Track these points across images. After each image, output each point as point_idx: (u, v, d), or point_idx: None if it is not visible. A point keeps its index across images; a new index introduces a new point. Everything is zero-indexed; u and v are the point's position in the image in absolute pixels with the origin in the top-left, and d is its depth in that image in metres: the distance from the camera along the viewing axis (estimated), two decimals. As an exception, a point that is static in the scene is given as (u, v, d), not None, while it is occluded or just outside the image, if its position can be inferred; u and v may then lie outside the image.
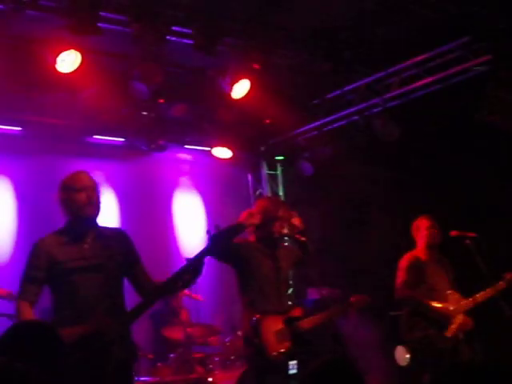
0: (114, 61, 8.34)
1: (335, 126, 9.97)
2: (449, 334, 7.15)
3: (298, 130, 10.32)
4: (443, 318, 7.21)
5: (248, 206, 10.82)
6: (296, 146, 10.52)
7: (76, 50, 7.40)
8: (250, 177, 11.25)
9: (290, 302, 6.41)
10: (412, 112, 9.06)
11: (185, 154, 10.51)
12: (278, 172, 11.24)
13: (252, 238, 6.40)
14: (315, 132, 10.22)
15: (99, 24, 6.97)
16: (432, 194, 8.90)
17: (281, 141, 10.70)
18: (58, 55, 7.34)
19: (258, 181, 11.19)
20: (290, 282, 6.45)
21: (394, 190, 9.45)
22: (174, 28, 7.51)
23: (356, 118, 9.60)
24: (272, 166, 11.20)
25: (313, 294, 8.99)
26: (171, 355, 8.18)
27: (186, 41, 7.67)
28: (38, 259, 4.89)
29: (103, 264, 4.88)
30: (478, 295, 7.30)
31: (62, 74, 7.52)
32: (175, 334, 8.38)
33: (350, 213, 9.96)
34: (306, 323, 6.26)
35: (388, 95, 9.14)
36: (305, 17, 7.77)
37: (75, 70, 7.50)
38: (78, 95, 8.60)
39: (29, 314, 4.78)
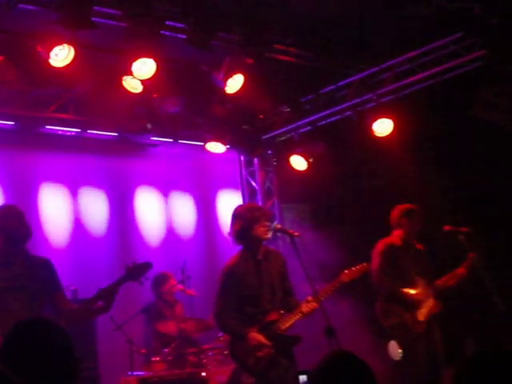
0: (108, 55, 8.32)
1: (329, 121, 9.98)
2: (421, 318, 7.38)
3: (292, 125, 10.32)
4: (415, 303, 7.42)
5: (241, 201, 10.85)
6: (289, 141, 10.52)
7: (69, 44, 7.38)
8: (243, 172, 11.24)
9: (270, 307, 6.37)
10: (405, 107, 9.07)
11: (178, 149, 10.49)
12: (271, 167, 11.23)
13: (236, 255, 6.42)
14: (309, 127, 10.22)
15: (93, 18, 6.95)
16: (427, 188, 8.93)
17: (274, 136, 10.70)
18: (51, 49, 7.32)
19: (251, 176, 11.18)
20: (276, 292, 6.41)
21: (388, 185, 9.46)
22: (167, 22, 7.49)
23: (349, 113, 9.60)
24: (265, 161, 11.19)
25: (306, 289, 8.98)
26: (165, 350, 8.18)
27: (179, 35, 7.66)
28: None
29: (25, 285, 5.35)
30: (439, 281, 7.55)
31: (55, 69, 7.50)
32: (169, 328, 8.37)
33: (344, 208, 9.98)
34: (284, 323, 6.25)
35: (381, 90, 9.16)
36: (298, 12, 7.77)
37: (68, 65, 7.48)
38: (71, 90, 8.60)
39: None
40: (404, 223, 7.67)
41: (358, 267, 6.52)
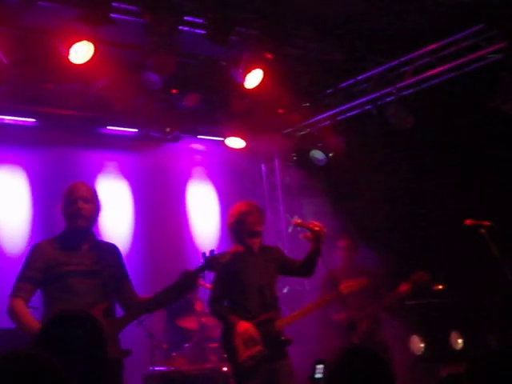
0: (127, 51, 8.35)
1: (348, 115, 9.95)
2: None
3: (311, 120, 10.30)
4: None
5: (261, 196, 10.84)
6: (309, 135, 10.50)
7: (89, 40, 7.41)
8: (263, 167, 11.24)
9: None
10: (425, 101, 9.02)
11: (198, 145, 10.51)
12: (291, 162, 11.21)
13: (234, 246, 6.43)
14: (328, 122, 10.19)
15: (112, 14, 6.98)
16: (447, 183, 8.87)
17: (294, 131, 10.68)
18: (70, 46, 7.35)
19: (271, 171, 11.17)
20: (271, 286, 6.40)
21: (408, 179, 9.41)
22: (186, 18, 7.50)
23: (369, 107, 9.57)
24: (285, 156, 11.17)
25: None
26: (186, 345, 8.20)
27: (198, 31, 7.66)
28: (36, 260, 5.06)
29: (99, 271, 5.10)
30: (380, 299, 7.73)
31: (75, 65, 7.53)
32: (190, 323, 8.40)
33: (364, 203, 9.94)
34: (281, 323, 6.23)
35: (401, 84, 9.11)
36: (317, 5, 7.74)
37: (88, 61, 7.51)
38: (91, 86, 8.63)
39: (24, 310, 4.90)
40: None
41: (357, 281, 6.56)
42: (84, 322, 3.22)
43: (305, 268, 6.33)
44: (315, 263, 6.17)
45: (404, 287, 7.65)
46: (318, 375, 6.03)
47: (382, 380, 3.21)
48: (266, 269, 6.35)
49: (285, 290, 9.25)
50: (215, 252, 5.37)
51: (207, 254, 5.28)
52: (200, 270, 5.25)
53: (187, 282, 5.17)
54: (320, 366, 6.05)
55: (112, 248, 5.41)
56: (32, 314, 4.90)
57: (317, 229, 6.05)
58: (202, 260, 5.29)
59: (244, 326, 6.05)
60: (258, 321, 6.13)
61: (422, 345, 7.43)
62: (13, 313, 4.91)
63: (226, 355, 6.39)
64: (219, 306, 6.27)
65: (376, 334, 7.65)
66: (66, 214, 5.16)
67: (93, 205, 5.22)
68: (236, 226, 6.36)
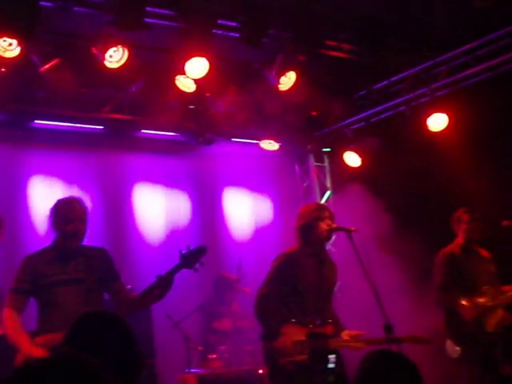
0: (161, 55, 8.39)
1: (382, 116, 9.90)
2: (489, 329, 7.06)
3: (345, 122, 10.26)
4: (481, 315, 7.11)
5: (296, 198, 10.83)
6: (343, 137, 10.47)
7: (123, 45, 7.47)
8: (297, 169, 11.23)
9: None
10: (461, 101, 8.94)
11: (232, 147, 10.52)
12: (326, 164, 11.19)
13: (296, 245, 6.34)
14: (362, 123, 10.15)
15: (146, 19, 7.03)
16: (486, 185, 8.76)
17: (328, 132, 10.66)
18: (105, 51, 7.42)
19: (305, 173, 11.16)
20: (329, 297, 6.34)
21: (442, 179, 9.33)
22: (219, 21, 7.52)
23: (403, 108, 9.51)
24: (319, 157, 11.16)
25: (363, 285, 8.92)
26: (221, 347, 8.22)
27: (232, 34, 7.68)
28: (25, 273, 5.36)
29: (84, 278, 5.32)
30: (506, 288, 7.23)
31: (110, 70, 7.59)
32: (225, 326, 8.42)
33: (400, 204, 9.87)
34: (334, 343, 6.05)
35: (436, 85, 9.04)
36: (351, 6, 7.72)
37: (122, 66, 7.57)
38: (126, 90, 8.69)
39: (15, 319, 5.24)
40: (457, 229, 7.50)
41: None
42: (113, 321, 3.24)
43: None
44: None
45: None
46: (331, 365, 6.00)
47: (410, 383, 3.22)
48: (328, 277, 6.35)
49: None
50: (191, 247, 5.35)
51: (183, 251, 5.32)
52: (175, 270, 5.31)
53: (165, 281, 5.28)
54: (332, 356, 6.02)
55: (100, 253, 5.57)
56: (21, 327, 5.22)
57: (353, 229, 6.01)
58: (179, 258, 5.33)
59: (300, 332, 5.98)
60: (312, 332, 5.99)
61: (458, 348, 7.30)
62: (3, 322, 5.31)
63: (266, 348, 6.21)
64: (269, 305, 6.12)
65: None
66: (60, 230, 5.38)
67: (86, 224, 5.45)
68: (306, 229, 6.25)
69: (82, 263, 5.38)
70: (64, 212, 5.36)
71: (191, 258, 5.32)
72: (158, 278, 5.28)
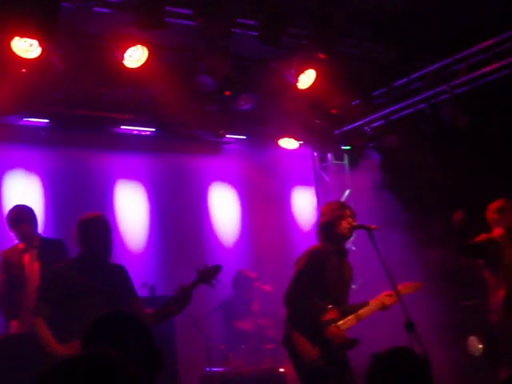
0: (180, 54, 8.42)
1: (402, 114, 9.86)
2: None
3: (365, 120, 10.23)
4: None
5: (316, 196, 10.82)
6: (363, 135, 10.44)
7: (142, 45, 7.50)
8: (317, 167, 11.21)
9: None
10: (481, 98, 8.89)
11: (251, 146, 10.52)
12: (345, 162, 11.17)
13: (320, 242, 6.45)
14: (382, 121, 10.13)
15: (165, 18, 7.05)
16: (504, 181, 8.71)
17: (347, 130, 10.64)
18: (125, 51, 7.45)
19: (325, 171, 11.14)
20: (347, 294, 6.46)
21: (464, 177, 9.29)
22: (238, 20, 7.53)
23: (423, 105, 9.47)
24: (339, 156, 11.13)
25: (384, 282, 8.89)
26: (243, 346, 8.23)
27: (250, 32, 7.68)
28: (53, 283, 5.60)
29: (108, 291, 5.53)
30: None
31: (130, 69, 7.62)
32: (246, 325, 8.43)
33: (420, 203, 9.84)
34: (343, 325, 6.23)
35: (455, 82, 9.00)
36: (370, 4, 7.71)
37: (142, 65, 7.60)
38: (145, 90, 8.71)
39: (44, 327, 5.42)
40: (493, 218, 7.41)
41: (415, 284, 6.50)
42: (129, 320, 3.26)
43: None
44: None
45: None
46: None
47: (422, 380, 3.23)
48: (348, 274, 6.55)
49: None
50: (208, 265, 5.68)
51: (201, 268, 5.64)
52: (194, 285, 5.59)
53: (184, 296, 5.55)
54: None
55: (120, 269, 5.80)
56: (50, 333, 5.40)
57: (373, 227, 6.05)
58: (194, 275, 5.61)
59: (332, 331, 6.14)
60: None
61: (481, 346, 7.27)
62: (37, 331, 5.46)
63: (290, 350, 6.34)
64: (306, 302, 6.23)
65: None
66: (88, 246, 5.61)
67: (111, 240, 5.71)
68: (328, 227, 6.40)
69: (109, 277, 5.59)
70: (92, 227, 5.58)
71: (208, 275, 5.66)
72: (176, 293, 5.55)
